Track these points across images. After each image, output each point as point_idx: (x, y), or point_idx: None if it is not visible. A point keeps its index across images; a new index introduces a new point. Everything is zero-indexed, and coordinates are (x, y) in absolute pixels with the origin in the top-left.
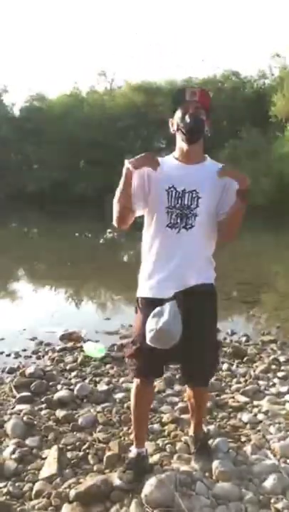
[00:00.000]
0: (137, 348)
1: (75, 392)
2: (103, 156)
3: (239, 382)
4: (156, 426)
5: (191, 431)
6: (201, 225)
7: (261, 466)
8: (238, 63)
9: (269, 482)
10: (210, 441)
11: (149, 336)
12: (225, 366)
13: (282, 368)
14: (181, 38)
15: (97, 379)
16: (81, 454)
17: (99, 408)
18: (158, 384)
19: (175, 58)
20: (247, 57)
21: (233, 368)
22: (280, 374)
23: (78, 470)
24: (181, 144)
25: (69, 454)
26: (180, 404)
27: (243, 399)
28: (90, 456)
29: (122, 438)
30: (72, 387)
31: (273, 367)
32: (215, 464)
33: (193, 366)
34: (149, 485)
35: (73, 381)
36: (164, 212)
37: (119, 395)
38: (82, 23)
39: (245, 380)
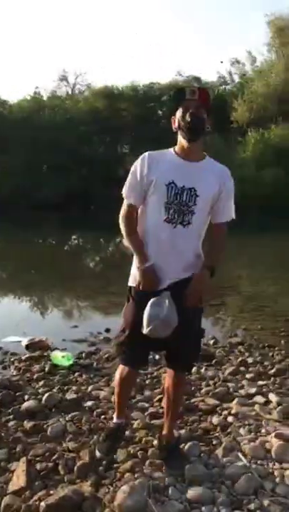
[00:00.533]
0: (126, 336)
1: (43, 401)
2: (66, 161)
3: (208, 385)
4: (127, 433)
5: (164, 432)
6: (197, 223)
7: (233, 468)
8: (200, 69)
9: (241, 484)
10: (182, 446)
11: (150, 325)
12: (194, 369)
13: (250, 369)
14: (142, 43)
15: (66, 388)
16: (51, 465)
17: (68, 417)
18: None
19: (137, 63)
20: (208, 63)
21: (202, 370)
22: (248, 376)
23: (48, 482)
24: (182, 141)
25: (38, 466)
26: (150, 410)
27: (213, 402)
28: (60, 467)
29: (93, 446)
30: (40, 396)
31: (242, 369)
32: (187, 468)
33: (179, 352)
34: (122, 493)
35: (41, 390)
36: (162, 207)
37: (88, 403)
38: (41, 27)
39: (215, 383)
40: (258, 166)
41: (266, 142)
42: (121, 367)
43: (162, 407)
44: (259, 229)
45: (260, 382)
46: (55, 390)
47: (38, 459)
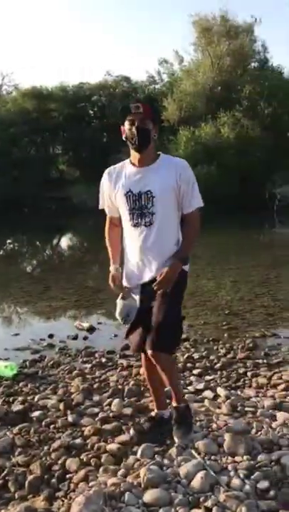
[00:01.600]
0: (129, 328)
1: None
2: None
3: None
4: (78, 441)
5: (173, 403)
6: (160, 221)
7: (187, 467)
8: (129, 68)
9: (197, 481)
10: (135, 449)
11: (118, 317)
12: (142, 370)
13: (197, 365)
14: (73, 42)
15: (11, 399)
16: (0, 482)
17: (16, 430)
18: (76, 397)
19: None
20: (137, 62)
21: None
22: (195, 371)
23: None
24: (132, 151)
25: None
26: (101, 415)
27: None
28: (10, 483)
29: (44, 458)
30: None
31: (188, 365)
32: (142, 471)
33: (151, 332)
34: (77, 504)
35: None
36: (128, 214)
37: (36, 414)
38: None
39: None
40: (191, 163)
41: (197, 140)
42: (141, 359)
43: (112, 411)
44: None
45: (208, 377)
46: None
47: None
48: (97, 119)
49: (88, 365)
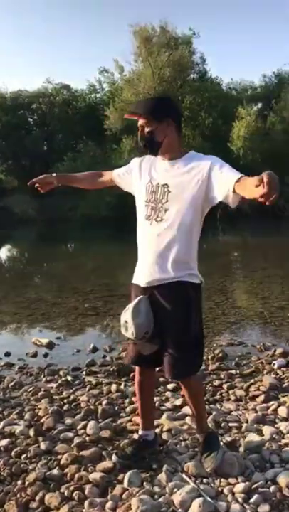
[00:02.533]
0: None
1: None
2: None
3: (132, 403)
4: (55, 471)
5: (198, 431)
6: (172, 219)
7: (182, 494)
8: (69, 77)
9: (195, 510)
10: (120, 477)
11: (122, 328)
12: (114, 387)
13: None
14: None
15: None
16: None
17: None
18: (46, 421)
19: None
20: (77, 71)
21: (122, 387)
22: (170, 386)
23: None
24: None
25: None
26: (76, 440)
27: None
28: None
29: (19, 495)
30: None
31: (161, 379)
32: (135, 502)
33: (164, 358)
34: None
35: None
36: (143, 205)
37: (3, 442)
38: None
39: (136, 399)
40: None
41: None
42: (135, 372)
43: (88, 435)
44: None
45: (183, 392)
46: None
47: None
48: (38, 127)
49: (54, 385)
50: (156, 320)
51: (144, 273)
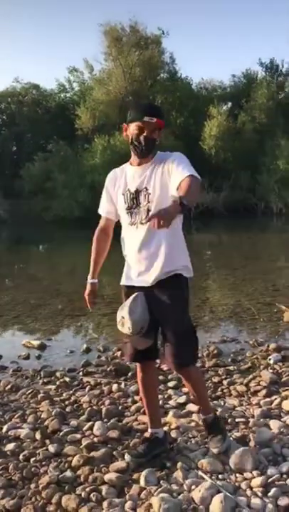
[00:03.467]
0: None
1: None
2: None
3: (135, 402)
4: (68, 474)
5: (202, 416)
6: None
7: (201, 490)
8: (38, 76)
9: (216, 506)
10: (136, 476)
11: (119, 324)
12: (114, 387)
13: (169, 377)
14: None
15: None
16: None
17: None
18: (50, 423)
19: None
20: (46, 70)
21: (123, 386)
22: (170, 384)
23: None
24: (133, 155)
25: None
26: (85, 441)
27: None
28: None
29: (34, 499)
30: None
31: (161, 378)
32: (155, 502)
33: (165, 349)
34: None
35: None
36: (126, 214)
37: (10, 446)
38: None
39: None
40: (107, 172)
41: (112, 149)
42: (137, 370)
43: (96, 436)
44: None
45: (185, 389)
46: None
47: None
48: (6, 127)
49: (52, 387)
50: (153, 315)
51: (140, 274)
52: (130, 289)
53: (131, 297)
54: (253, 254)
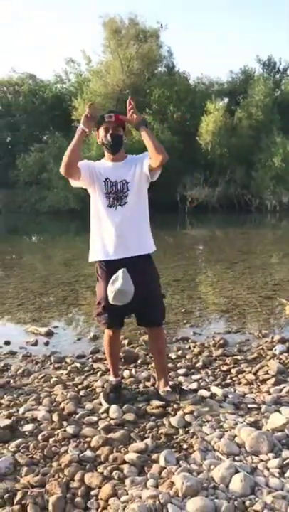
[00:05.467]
0: (102, 306)
1: None
2: None
3: (146, 387)
4: (88, 453)
5: (160, 388)
6: (133, 201)
7: (220, 470)
8: (35, 67)
9: (236, 484)
10: (154, 456)
11: (110, 296)
12: (126, 373)
13: (178, 364)
14: None
15: None
16: (17, 508)
17: (12, 447)
18: (66, 406)
19: None
20: (43, 61)
21: (133, 372)
22: (180, 371)
23: None
24: (107, 154)
25: None
26: (102, 423)
27: (159, 403)
28: (29, 508)
29: (57, 475)
30: None
31: (170, 365)
32: (179, 479)
33: (146, 311)
34: None
35: None
36: (104, 197)
37: (28, 427)
38: None
39: (153, 384)
40: None
41: None
42: (106, 332)
43: (112, 418)
44: None
45: (195, 377)
46: None
47: None
48: (1, 116)
49: (63, 371)
50: (135, 284)
51: (119, 248)
52: (110, 264)
53: (119, 273)
54: (249, 249)
